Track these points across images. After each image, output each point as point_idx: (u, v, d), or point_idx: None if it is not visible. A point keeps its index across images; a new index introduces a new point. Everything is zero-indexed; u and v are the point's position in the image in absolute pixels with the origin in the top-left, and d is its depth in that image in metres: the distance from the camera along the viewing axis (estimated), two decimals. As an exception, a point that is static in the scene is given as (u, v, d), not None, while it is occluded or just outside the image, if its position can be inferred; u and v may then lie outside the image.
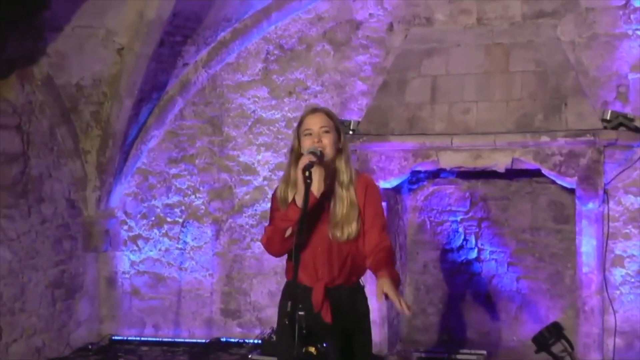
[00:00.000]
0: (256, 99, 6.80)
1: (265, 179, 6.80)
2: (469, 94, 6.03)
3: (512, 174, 6.27)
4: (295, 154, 3.47)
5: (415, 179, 6.68)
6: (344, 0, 6.53)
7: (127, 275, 7.18)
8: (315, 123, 3.42)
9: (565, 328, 5.81)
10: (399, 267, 6.56)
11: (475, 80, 6.06)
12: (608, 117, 5.61)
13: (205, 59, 6.72)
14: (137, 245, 7.14)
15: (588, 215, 5.71)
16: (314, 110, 3.51)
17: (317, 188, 3.28)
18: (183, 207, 7.02)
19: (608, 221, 5.81)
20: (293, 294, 3.01)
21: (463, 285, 6.67)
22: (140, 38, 6.00)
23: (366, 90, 6.49)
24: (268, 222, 3.55)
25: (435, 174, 6.63)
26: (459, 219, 6.68)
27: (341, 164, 3.44)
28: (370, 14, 6.50)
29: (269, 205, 6.64)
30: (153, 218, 7.10)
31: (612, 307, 5.80)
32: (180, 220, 7.04)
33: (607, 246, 5.81)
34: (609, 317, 5.81)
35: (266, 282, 6.81)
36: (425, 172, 6.51)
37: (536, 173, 6.05)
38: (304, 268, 3.41)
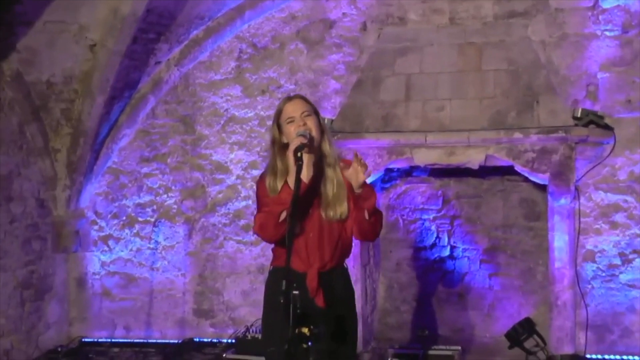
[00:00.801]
0: (229, 98, 6.78)
1: (238, 177, 6.77)
2: (443, 92, 6.11)
3: (484, 172, 6.34)
4: (278, 144, 3.51)
5: (388, 177, 6.72)
6: (317, -1, 6.57)
7: (97, 276, 7.08)
8: (295, 110, 3.45)
9: (537, 323, 5.91)
10: (372, 265, 6.61)
11: (449, 79, 6.13)
12: (579, 115, 5.73)
13: (177, 57, 6.68)
14: (108, 246, 7.05)
15: (560, 211, 5.82)
16: (290, 98, 3.55)
17: (306, 174, 3.35)
18: (155, 207, 6.95)
19: (579, 217, 5.92)
20: (286, 276, 2.99)
21: (436, 282, 6.72)
22: (113, 34, 5.94)
23: (340, 89, 6.52)
24: (256, 210, 3.56)
25: (408, 173, 6.68)
26: (431, 217, 6.73)
27: (326, 146, 3.49)
28: (343, 13, 6.53)
29: (242, 203, 6.75)
30: (124, 218, 7.01)
31: (584, 301, 5.89)
32: (152, 219, 6.97)
33: (579, 241, 5.91)
34: (580, 311, 5.90)
35: (239, 281, 6.77)
36: (398, 170, 6.55)
37: (508, 171, 6.15)
38: (296, 254, 3.43)
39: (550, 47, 6.07)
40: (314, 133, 3.40)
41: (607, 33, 5.96)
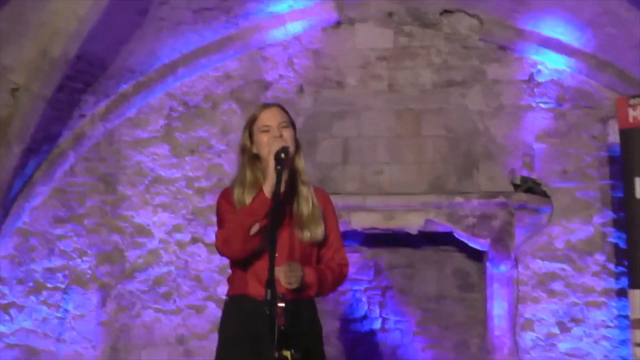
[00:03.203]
0: (155, 157, 6.43)
1: (161, 241, 6.34)
2: (382, 156, 6.04)
3: (418, 241, 6.22)
4: (248, 154, 3.21)
5: (318, 246, 6.47)
6: (253, 60, 6.43)
7: (-6, 349, 6.37)
8: (272, 118, 3.17)
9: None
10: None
11: (387, 143, 6.08)
12: (518, 182, 5.78)
13: (103, 112, 6.31)
14: (10, 315, 6.35)
15: (500, 278, 5.76)
16: (267, 105, 3.28)
17: (269, 189, 2.99)
18: (67, 272, 6.36)
19: (517, 285, 5.84)
20: (271, 286, 2.66)
21: (367, 356, 6.40)
22: (40, 77, 5.48)
23: (273, 151, 6.31)
24: (219, 224, 3.20)
25: (340, 242, 6.46)
26: (362, 288, 6.49)
27: (301, 162, 3.21)
28: (280, 75, 6.42)
29: (163, 269, 6.31)
30: (31, 284, 6.36)
31: (524, 372, 5.75)
32: (63, 286, 6.36)
33: (517, 310, 5.81)
34: (521, 382, 5.75)
35: (156, 353, 6.21)
36: (329, 239, 6.33)
37: (442, 241, 6.06)
38: (255, 277, 3.07)
39: (487, 116, 6.14)
40: (290, 146, 3.12)
41: (542, 105, 6.10)
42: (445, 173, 5.88)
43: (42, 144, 6.09)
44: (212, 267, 6.25)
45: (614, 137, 5.79)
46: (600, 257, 5.87)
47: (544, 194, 5.82)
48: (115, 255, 6.37)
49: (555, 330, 5.85)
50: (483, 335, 6.05)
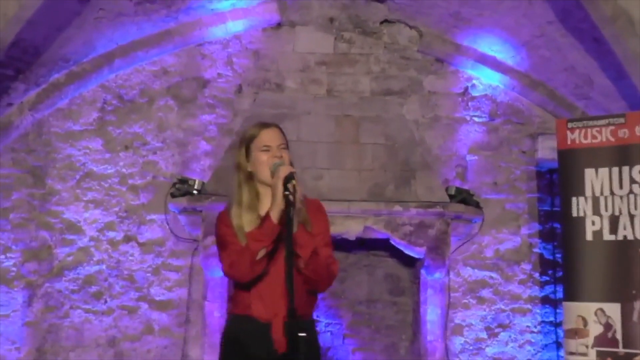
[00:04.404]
0: (88, 151, 6.22)
1: (92, 239, 6.14)
2: (321, 161, 6.09)
3: (351, 246, 6.33)
4: (244, 173, 3.23)
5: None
6: (192, 56, 6.33)
7: None
8: (272, 139, 3.22)
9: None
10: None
11: (327, 149, 6.13)
12: (453, 192, 5.98)
13: (33, 101, 6.01)
14: None
15: (434, 284, 5.95)
16: (267, 124, 3.29)
17: (277, 214, 3.03)
18: (-11, 268, 6.09)
19: (449, 291, 6.07)
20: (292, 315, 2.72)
21: (297, 357, 6.48)
22: (-28, 64, 5.24)
23: (210, 150, 6.26)
24: (222, 248, 3.21)
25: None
26: (294, 289, 6.54)
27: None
28: (219, 74, 6.35)
29: (94, 268, 6.15)
30: (-52, 281, 6.06)
31: (453, 375, 6.01)
32: (-16, 283, 6.08)
33: (448, 316, 6.05)
34: (449, 385, 6.00)
35: (86, 355, 6.04)
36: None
37: (374, 246, 6.20)
38: (259, 300, 3.15)
39: (424, 127, 6.34)
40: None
41: (476, 119, 6.35)
42: (384, 181, 6.01)
43: (-33, 133, 5.78)
44: (145, 267, 6.13)
45: (542, 153, 6.14)
46: (526, 267, 6.22)
47: (477, 205, 6.07)
48: (43, 252, 6.13)
49: (483, 335, 6.15)
50: (412, 339, 6.26)
